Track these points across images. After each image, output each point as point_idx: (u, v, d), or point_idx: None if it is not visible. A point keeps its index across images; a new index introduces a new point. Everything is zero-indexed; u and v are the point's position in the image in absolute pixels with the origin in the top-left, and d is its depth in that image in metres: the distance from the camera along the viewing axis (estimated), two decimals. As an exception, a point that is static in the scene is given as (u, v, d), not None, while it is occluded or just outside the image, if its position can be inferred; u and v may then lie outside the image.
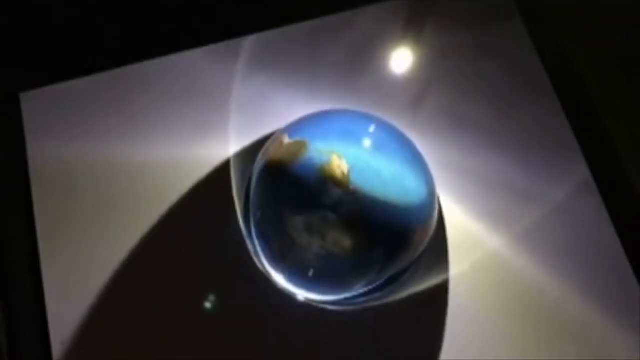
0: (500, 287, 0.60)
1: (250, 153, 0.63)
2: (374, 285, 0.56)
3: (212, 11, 0.72)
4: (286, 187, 0.52)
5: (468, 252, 0.61)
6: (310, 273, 0.53)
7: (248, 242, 0.60)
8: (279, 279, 0.56)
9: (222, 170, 0.63)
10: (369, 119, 0.57)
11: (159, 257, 0.61)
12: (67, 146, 0.64)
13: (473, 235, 0.62)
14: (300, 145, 0.52)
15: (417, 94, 0.67)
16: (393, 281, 0.58)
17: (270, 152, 0.55)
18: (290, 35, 0.69)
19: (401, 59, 0.69)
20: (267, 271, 0.58)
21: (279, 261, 0.54)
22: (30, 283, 0.61)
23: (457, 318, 0.59)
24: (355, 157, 0.51)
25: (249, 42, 0.68)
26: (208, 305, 0.59)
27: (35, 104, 0.66)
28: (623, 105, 0.66)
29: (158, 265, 0.61)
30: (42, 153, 0.64)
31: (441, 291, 0.60)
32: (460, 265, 0.60)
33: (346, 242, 0.51)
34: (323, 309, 0.59)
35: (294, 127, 0.56)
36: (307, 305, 0.59)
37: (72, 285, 0.60)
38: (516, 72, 0.68)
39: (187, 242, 0.61)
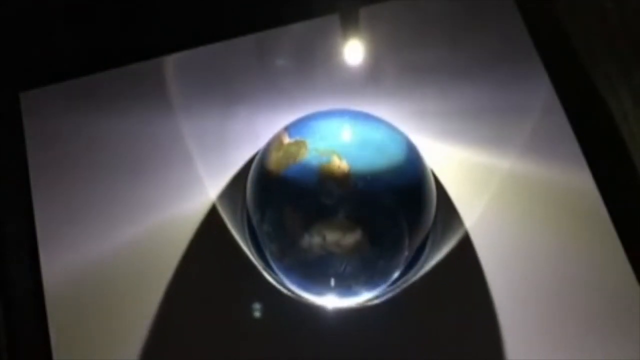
0: (527, 200, 0.62)
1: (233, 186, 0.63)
2: (381, 288, 0.56)
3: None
4: (286, 188, 0.52)
5: (485, 181, 0.62)
6: (319, 278, 0.53)
7: (248, 247, 0.60)
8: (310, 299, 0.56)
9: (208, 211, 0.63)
10: (369, 118, 0.57)
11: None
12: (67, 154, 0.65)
13: (483, 166, 0.63)
14: (300, 145, 0.52)
15: (372, 67, 0.68)
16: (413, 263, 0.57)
17: (270, 152, 0.55)
18: (236, 48, 0.69)
19: (348, 46, 0.69)
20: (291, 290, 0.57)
21: (279, 261, 0.54)
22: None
23: (489, 259, 0.60)
24: (355, 157, 0.51)
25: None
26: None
27: (35, 104, 0.66)
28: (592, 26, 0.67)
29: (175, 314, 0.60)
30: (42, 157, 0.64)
31: (465, 244, 0.61)
32: (487, 193, 0.62)
33: (347, 242, 0.50)
34: (352, 309, 0.59)
35: (294, 127, 0.55)
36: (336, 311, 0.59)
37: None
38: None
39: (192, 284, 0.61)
